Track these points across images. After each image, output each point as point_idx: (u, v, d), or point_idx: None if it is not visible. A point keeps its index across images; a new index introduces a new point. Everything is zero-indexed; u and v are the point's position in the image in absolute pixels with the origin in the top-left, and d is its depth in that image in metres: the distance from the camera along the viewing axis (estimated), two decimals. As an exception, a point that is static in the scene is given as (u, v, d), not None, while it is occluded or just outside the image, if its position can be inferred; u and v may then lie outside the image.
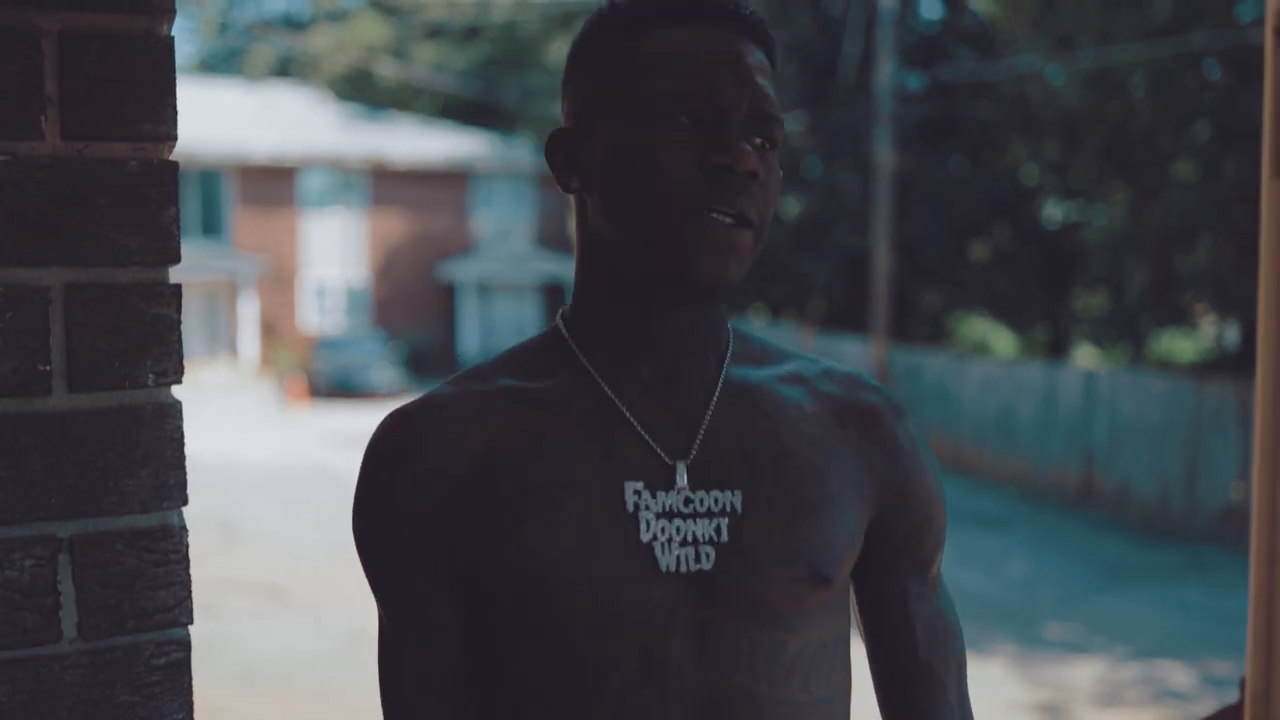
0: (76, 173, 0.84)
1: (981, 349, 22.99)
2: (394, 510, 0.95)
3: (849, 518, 0.98)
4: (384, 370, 22.45)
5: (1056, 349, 20.37)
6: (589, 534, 0.91)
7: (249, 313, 26.03)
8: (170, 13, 0.89)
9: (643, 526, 0.92)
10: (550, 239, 28.67)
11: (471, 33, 34.75)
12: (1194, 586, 9.71)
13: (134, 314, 0.85)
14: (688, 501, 0.93)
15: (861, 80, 19.24)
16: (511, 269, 27.74)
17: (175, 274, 0.88)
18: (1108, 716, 6.70)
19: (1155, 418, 12.56)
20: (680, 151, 0.92)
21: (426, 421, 0.95)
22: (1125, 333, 16.37)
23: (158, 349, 0.86)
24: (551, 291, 28.31)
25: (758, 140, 0.95)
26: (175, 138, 0.88)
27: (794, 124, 20.16)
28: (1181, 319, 16.22)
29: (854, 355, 17.70)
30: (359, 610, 8.26)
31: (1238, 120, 13.38)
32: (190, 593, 0.88)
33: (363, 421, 19.14)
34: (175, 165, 0.88)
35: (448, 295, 27.94)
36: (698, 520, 0.93)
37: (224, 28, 39.32)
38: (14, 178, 0.83)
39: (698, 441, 0.95)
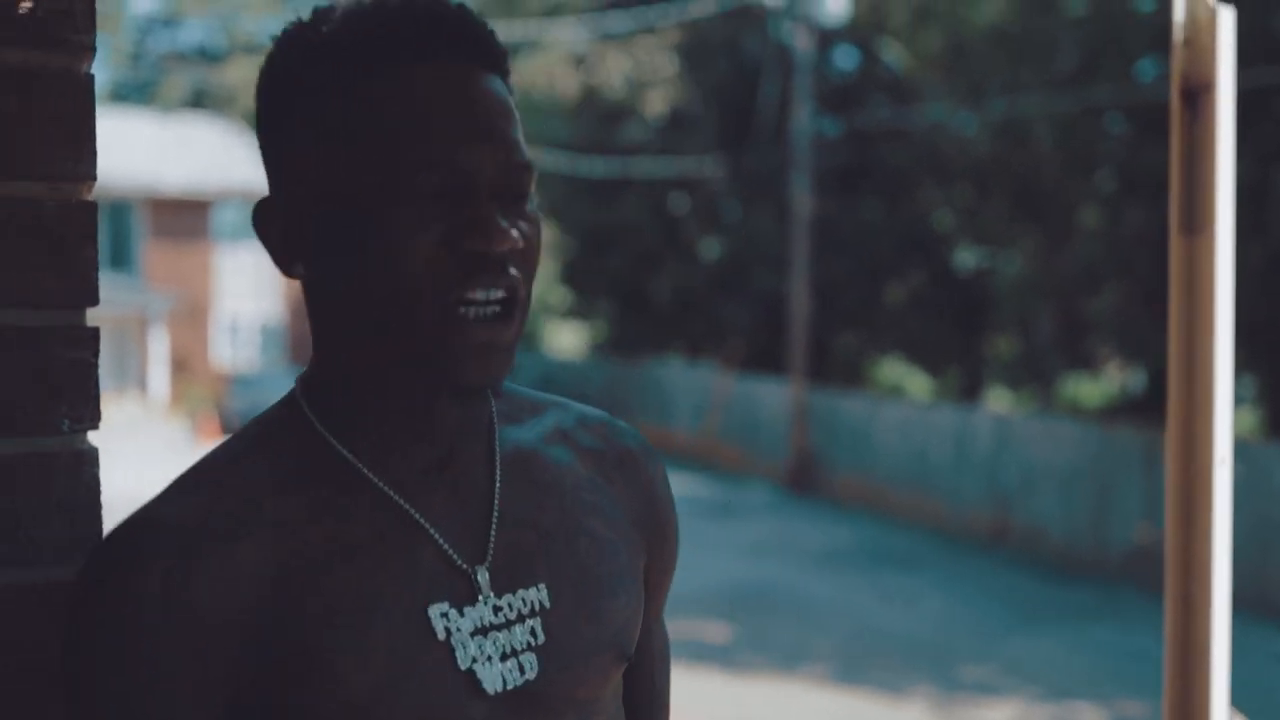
0: (-10, 212, 0.82)
1: (897, 391, 23.35)
2: (148, 666, 0.76)
3: (637, 582, 0.93)
4: (298, 408, 22.11)
5: (969, 392, 20.77)
6: (402, 666, 0.80)
7: (159, 348, 25.46)
8: (90, 50, 0.87)
9: (459, 652, 0.81)
10: (470, 277, 28.58)
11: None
12: (1104, 626, 9.91)
13: (50, 357, 0.83)
14: (497, 610, 0.83)
15: (779, 126, 19.56)
16: (430, 307, 27.59)
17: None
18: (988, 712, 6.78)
19: (1064, 461, 12.85)
20: (422, 233, 0.78)
21: (183, 544, 0.77)
22: (1034, 377, 16.76)
23: (74, 394, 0.84)
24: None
25: (510, 197, 0.82)
26: (94, 178, 0.86)
27: (712, 168, 20.39)
28: (1088, 364, 16.66)
29: (773, 397, 17.85)
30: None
31: (1140, 171, 13.85)
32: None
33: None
34: (94, 205, 0.86)
35: (365, 333, 27.67)
36: (511, 629, 0.83)
37: (136, 58, 38.72)
38: (-76, 217, 0.80)
39: (491, 537, 0.85)
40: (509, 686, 0.82)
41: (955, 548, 13.30)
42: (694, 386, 20.12)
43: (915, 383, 24.29)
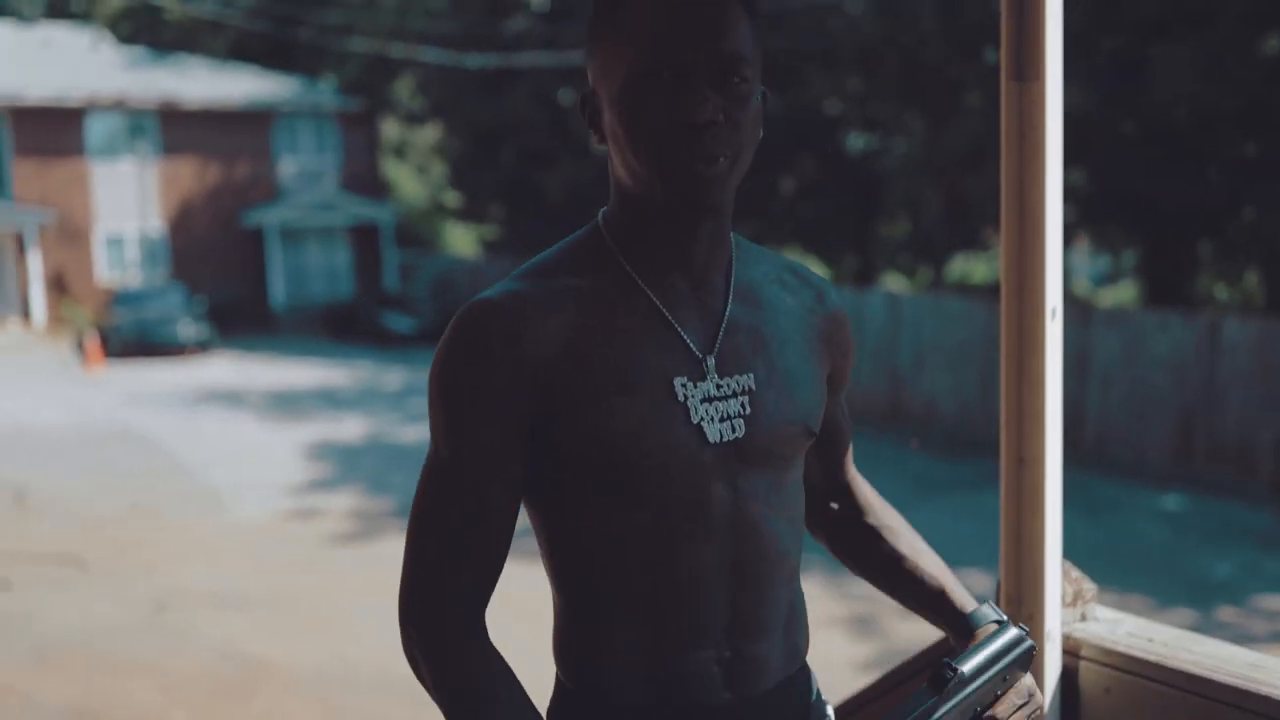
0: None
1: (793, 278, 23.47)
2: (485, 381, 1.15)
3: (821, 384, 1.32)
4: (187, 324, 21.47)
5: (864, 277, 21.02)
6: (654, 414, 1.17)
7: (36, 269, 24.49)
8: None
9: (692, 412, 1.18)
10: (359, 181, 27.85)
11: (264, -33, 33.16)
12: (994, 496, 10.20)
13: None
14: (719, 386, 1.20)
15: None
16: (320, 214, 26.85)
17: None
18: (915, 625, 7.01)
19: (954, 338, 13.12)
20: (656, 112, 1.12)
21: (516, 311, 1.16)
22: (925, 257, 16.98)
23: None
24: (362, 234, 27.56)
25: (733, 80, 1.13)
26: None
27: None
28: (974, 242, 16.91)
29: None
30: (163, 576, 7.93)
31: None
32: None
33: (167, 379, 18.32)
34: None
35: (253, 243, 26.88)
36: (727, 400, 1.21)
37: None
38: None
39: (719, 336, 1.22)
40: (724, 439, 1.20)
41: (853, 427, 13.56)
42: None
43: (812, 270, 24.48)
